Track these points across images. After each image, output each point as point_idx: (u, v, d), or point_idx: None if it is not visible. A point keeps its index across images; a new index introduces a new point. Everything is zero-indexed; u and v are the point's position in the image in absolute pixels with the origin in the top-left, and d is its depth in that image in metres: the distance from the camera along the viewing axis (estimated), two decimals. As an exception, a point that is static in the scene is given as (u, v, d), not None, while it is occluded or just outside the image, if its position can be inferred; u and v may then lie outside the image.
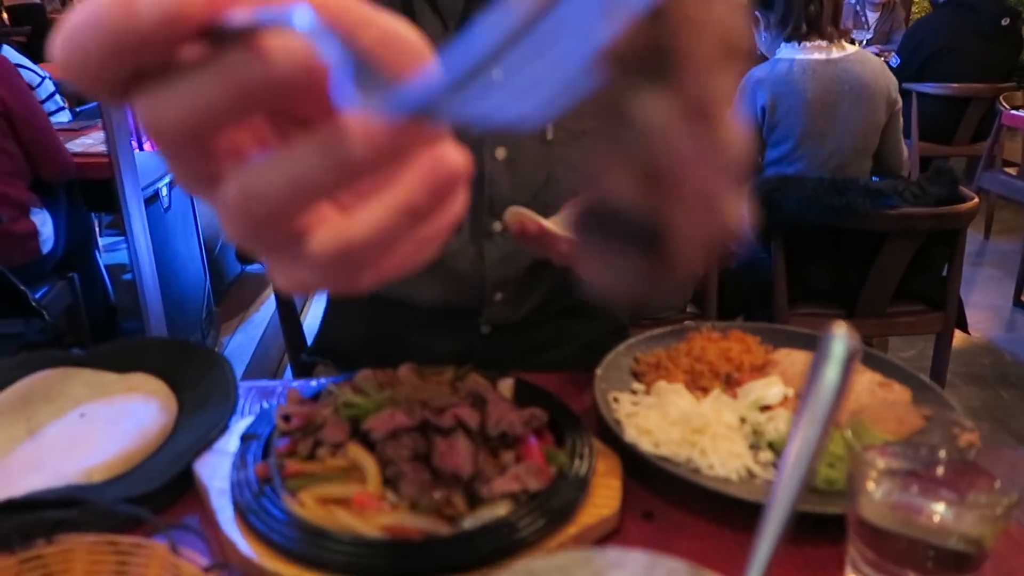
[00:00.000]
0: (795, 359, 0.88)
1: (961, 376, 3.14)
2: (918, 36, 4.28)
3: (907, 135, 4.14)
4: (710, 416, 0.74)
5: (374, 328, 1.10)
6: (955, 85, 4.09)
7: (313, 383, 0.86)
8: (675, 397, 0.78)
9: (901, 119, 2.66)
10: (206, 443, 0.74)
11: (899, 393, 0.82)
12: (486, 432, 0.69)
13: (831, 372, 0.36)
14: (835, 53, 2.48)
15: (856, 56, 2.52)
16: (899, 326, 2.46)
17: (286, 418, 0.74)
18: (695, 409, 0.75)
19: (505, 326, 1.05)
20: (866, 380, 0.84)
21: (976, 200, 2.23)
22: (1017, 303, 3.76)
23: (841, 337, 0.35)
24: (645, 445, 0.72)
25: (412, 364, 0.82)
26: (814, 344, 0.94)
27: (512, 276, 1.00)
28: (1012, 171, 4.06)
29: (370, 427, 0.67)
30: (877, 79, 2.53)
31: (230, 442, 0.74)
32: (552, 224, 0.76)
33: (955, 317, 2.41)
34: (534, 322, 1.08)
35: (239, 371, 3.02)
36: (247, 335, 3.39)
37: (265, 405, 0.84)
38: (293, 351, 1.53)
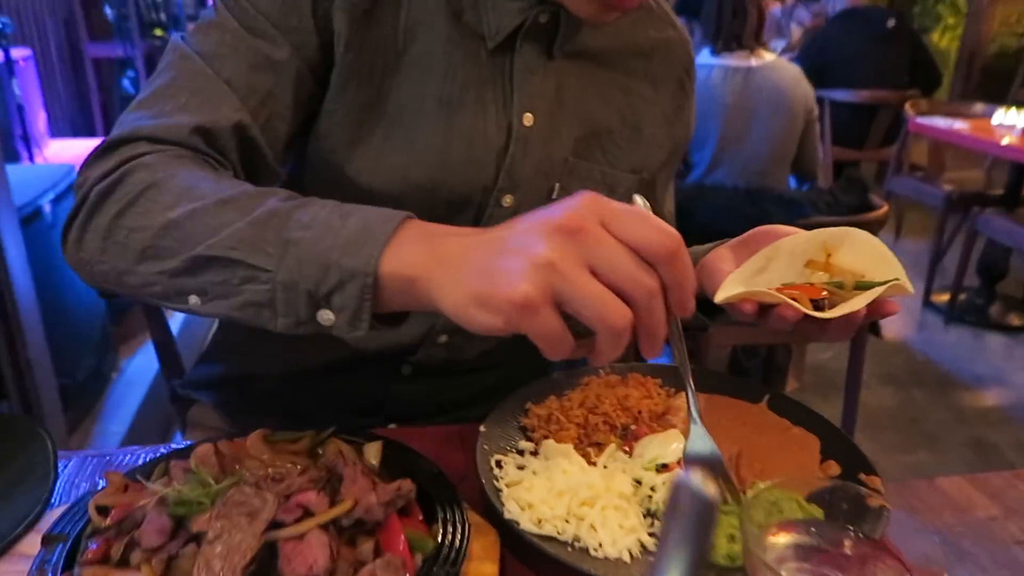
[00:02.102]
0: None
1: (876, 377, 3.19)
2: (816, 47, 4.42)
3: (820, 140, 4.24)
4: (599, 486, 0.66)
5: (279, 366, 0.97)
6: (864, 92, 4.20)
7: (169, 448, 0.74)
8: (563, 461, 0.69)
9: (818, 126, 2.69)
10: (7, 544, 0.62)
11: (807, 442, 0.76)
12: (339, 523, 0.59)
13: (687, 527, 0.28)
14: (754, 62, 2.49)
15: (774, 64, 2.53)
16: (815, 334, 2.46)
17: (102, 510, 0.62)
18: (584, 477, 0.67)
19: (429, 369, 0.96)
20: (773, 425, 0.78)
21: (885, 208, 2.25)
22: (927, 303, 3.87)
23: (698, 491, 0.28)
24: (527, 522, 0.63)
25: (264, 431, 0.71)
26: (720, 387, 0.88)
27: None
28: (919, 174, 4.19)
29: (201, 528, 0.56)
30: (795, 88, 2.54)
31: (35, 542, 0.62)
32: None
33: (868, 322, 2.42)
34: (459, 370, 0.99)
35: (137, 398, 2.81)
36: (150, 356, 3.18)
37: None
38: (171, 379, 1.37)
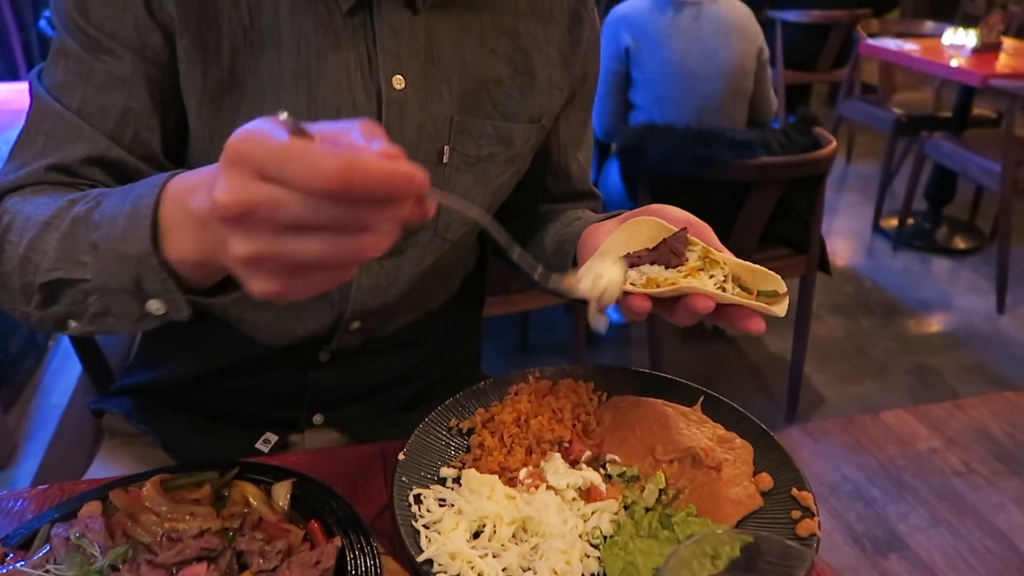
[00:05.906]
0: (624, 416, 0.77)
1: (826, 307, 3.23)
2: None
3: (772, 63, 4.16)
4: (535, 522, 0.62)
5: (194, 369, 0.95)
6: (816, 12, 4.12)
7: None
8: (485, 500, 0.65)
9: (769, 69, 2.64)
10: None
11: (740, 450, 0.74)
12: (237, 596, 0.55)
13: None
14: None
15: (724, 2, 2.47)
16: (765, 273, 2.47)
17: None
18: (508, 514, 0.63)
19: (347, 353, 0.94)
20: (707, 434, 0.75)
21: (834, 144, 2.22)
22: (876, 229, 3.90)
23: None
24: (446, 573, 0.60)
25: (161, 477, 0.66)
26: (654, 389, 0.85)
27: (378, 307, 0.89)
28: (871, 97, 4.15)
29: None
30: (746, 24, 2.50)
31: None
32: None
33: (818, 260, 2.43)
34: (378, 350, 0.96)
35: (78, 367, 2.66)
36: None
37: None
38: (96, 385, 1.31)
